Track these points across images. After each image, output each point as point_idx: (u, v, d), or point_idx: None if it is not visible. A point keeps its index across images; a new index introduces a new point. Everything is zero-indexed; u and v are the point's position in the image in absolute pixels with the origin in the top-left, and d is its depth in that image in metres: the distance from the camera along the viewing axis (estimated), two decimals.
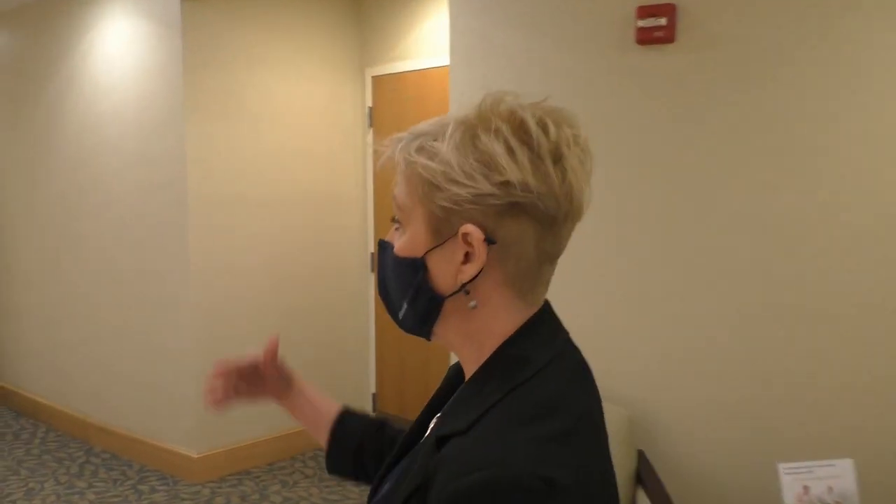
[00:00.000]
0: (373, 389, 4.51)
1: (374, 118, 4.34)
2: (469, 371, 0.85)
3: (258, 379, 1.19)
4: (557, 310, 0.86)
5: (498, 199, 0.77)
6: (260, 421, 3.99)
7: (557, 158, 0.78)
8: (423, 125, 0.83)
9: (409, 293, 0.83)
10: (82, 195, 4.29)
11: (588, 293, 2.55)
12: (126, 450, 4.16)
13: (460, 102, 2.83)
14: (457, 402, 0.82)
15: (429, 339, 0.87)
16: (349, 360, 4.45)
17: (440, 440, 0.77)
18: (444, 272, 0.81)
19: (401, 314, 0.85)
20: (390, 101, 4.25)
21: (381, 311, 4.41)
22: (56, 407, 4.66)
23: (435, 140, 0.80)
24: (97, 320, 4.31)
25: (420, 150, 0.80)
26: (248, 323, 3.94)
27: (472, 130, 0.79)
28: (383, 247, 0.88)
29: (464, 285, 0.80)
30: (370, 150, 4.38)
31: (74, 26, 4.24)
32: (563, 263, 0.86)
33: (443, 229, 0.80)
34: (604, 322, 2.52)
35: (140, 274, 3.97)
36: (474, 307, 0.81)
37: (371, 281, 4.44)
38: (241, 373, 1.18)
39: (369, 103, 4.35)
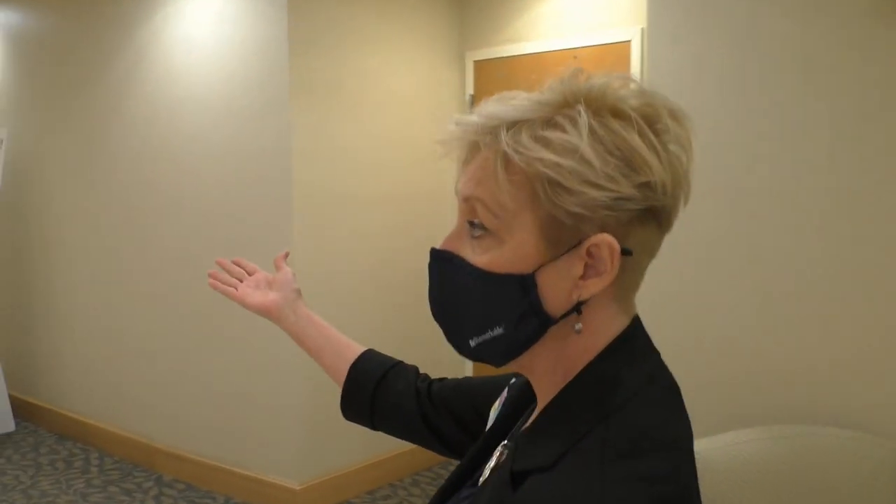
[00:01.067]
0: None
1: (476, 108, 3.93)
2: (546, 393, 0.74)
3: (266, 285, 1.21)
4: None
5: (636, 203, 0.67)
6: (359, 445, 3.56)
7: (684, 152, 0.70)
8: (509, 107, 0.70)
9: (508, 317, 0.70)
10: (150, 191, 3.81)
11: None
12: (204, 479, 3.69)
13: (660, 86, 2.43)
14: (535, 430, 0.73)
15: (499, 366, 0.75)
16: (453, 369, 4.02)
17: (516, 476, 0.68)
18: (558, 289, 0.69)
19: (479, 339, 0.72)
20: (496, 88, 3.84)
21: None
22: (110, 429, 4.17)
23: (557, 129, 0.67)
24: (167, 330, 3.83)
25: (539, 140, 0.67)
26: (355, 333, 3.50)
27: (602, 118, 0.67)
28: (443, 257, 0.74)
29: (579, 304, 0.69)
30: None
31: (139, 2, 3.76)
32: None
33: (562, 239, 0.68)
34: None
35: None
36: (580, 329, 0.71)
37: None
38: (251, 272, 1.23)
39: (470, 91, 3.95)
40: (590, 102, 0.68)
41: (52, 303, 4.49)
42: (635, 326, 0.74)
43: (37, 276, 4.55)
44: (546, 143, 0.67)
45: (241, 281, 1.23)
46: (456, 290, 0.74)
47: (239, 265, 1.26)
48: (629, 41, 3.32)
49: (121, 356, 4.11)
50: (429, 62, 3.82)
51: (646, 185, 0.67)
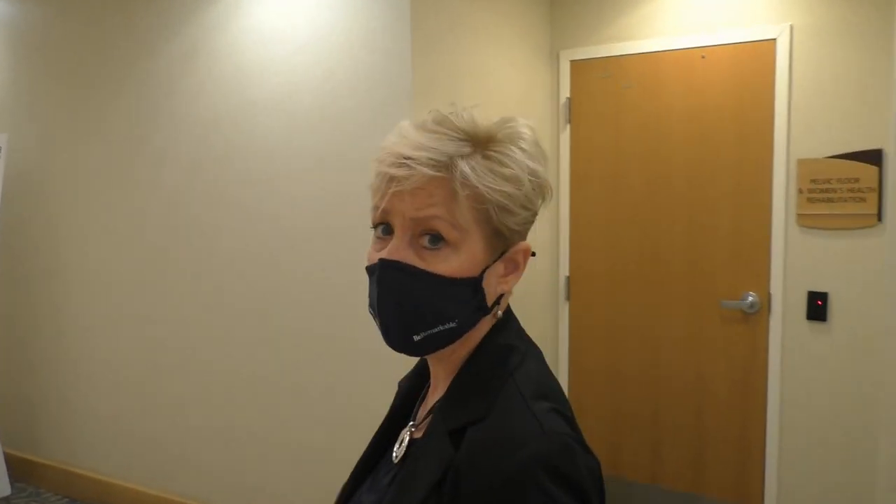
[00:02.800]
0: None
1: (573, 113, 3.54)
2: (451, 368, 0.91)
3: None
4: None
5: (536, 215, 0.89)
6: None
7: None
8: (438, 142, 0.83)
9: (462, 312, 0.86)
10: (209, 207, 3.22)
11: None
12: None
13: (817, 93, 2.13)
14: (453, 396, 0.87)
15: (432, 353, 0.89)
16: None
17: (454, 432, 0.82)
18: (492, 286, 0.88)
19: (426, 334, 0.86)
20: (598, 91, 3.47)
21: (575, 348, 3.61)
22: (135, 487, 3.52)
23: (499, 164, 0.84)
24: (207, 376, 3.24)
25: (494, 173, 0.83)
26: None
27: (525, 151, 0.86)
28: (400, 268, 0.85)
29: (501, 296, 0.89)
30: (566, 152, 3.57)
31: None
32: None
33: (499, 247, 0.87)
34: None
35: (324, 315, 2.97)
36: (499, 316, 0.91)
37: (565, 312, 3.63)
38: None
39: (567, 93, 3.55)
40: (510, 140, 0.85)
41: (60, 342, 3.78)
42: (509, 308, 0.93)
43: (41, 309, 3.83)
44: (504, 177, 0.83)
45: None
46: (413, 293, 0.84)
47: None
48: (774, 39, 3.01)
49: (149, 405, 3.48)
50: (521, 61, 3.40)
51: (545, 201, 0.89)
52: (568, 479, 0.77)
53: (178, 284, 3.33)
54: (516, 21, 3.35)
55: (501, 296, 0.88)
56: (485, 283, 0.86)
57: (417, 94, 2.72)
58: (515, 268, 0.89)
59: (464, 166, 0.82)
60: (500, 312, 0.89)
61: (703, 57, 3.20)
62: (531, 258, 0.91)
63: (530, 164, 0.85)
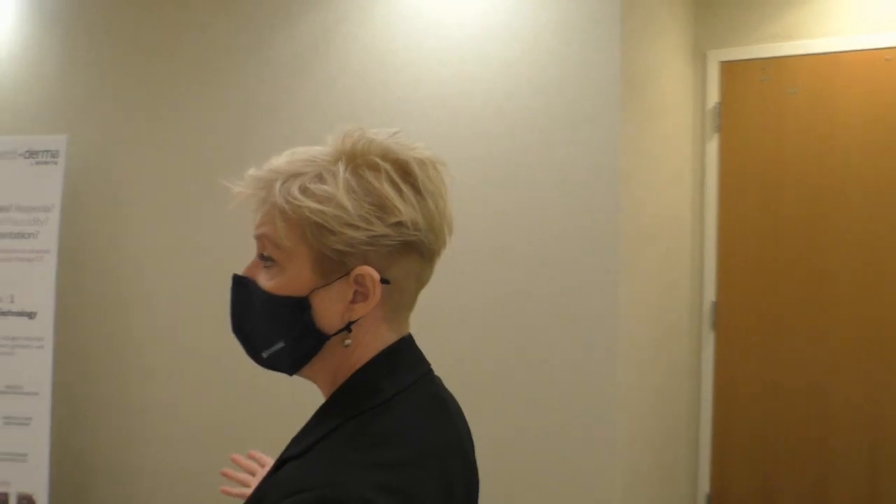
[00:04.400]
0: (706, 488, 3.30)
1: (723, 120, 3.17)
2: (326, 396, 0.90)
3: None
4: None
5: (392, 239, 0.84)
6: None
7: (434, 194, 0.87)
8: (287, 163, 0.87)
9: (288, 332, 0.86)
10: None
11: None
12: None
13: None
14: (305, 427, 0.89)
15: (290, 374, 0.91)
16: (673, 444, 3.21)
17: (278, 464, 0.85)
18: (330, 311, 0.85)
19: (268, 352, 0.88)
20: (754, 96, 3.11)
21: (723, 381, 3.24)
22: None
23: (320, 182, 0.84)
24: None
25: (305, 192, 0.84)
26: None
27: (358, 171, 0.84)
28: (241, 282, 0.90)
29: (350, 324, 0.86)
30: (712, 163, 3.20)
31: None
32: None
33: (332, 270, 0.85)
34: None
35: (530, 340, 2.52)
36: (348, 345, 0.87)
37: (710, 341, 3.25)
38: (264, 465, 1.26)
39: (716, 98, 3.18)
40: (351, 159, 0.85)
41: (126, 391, 3.19)
42: (402, 343, 0.91)
43: (98, 346, 3.24)
44: (310, 194, 0.83)
45: (254, 475, 1.25)
46: (248, 309, 0.90)
47: (254, 458, 1.29)
48: None
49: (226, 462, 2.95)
50: (659, 62, 3.01)
51: (398, 224, 0.83)
52: None
53: None
54: (655, 17, 2.96)
55: (352, 322, 0.86)
56: (318, 306, 0.85)
57: (625, 106, 2.30)
58: (368, 295, 0.85)
59: (277, 185, 0.85)
60: (348, 341, 0.86)
61: (887, 60, 2.88)
62: (391, 284, 0.86)
63: (359, 182, 0.84)
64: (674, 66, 3.07)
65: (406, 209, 0.83)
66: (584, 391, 2.41)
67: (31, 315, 2.86)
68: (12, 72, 3.29)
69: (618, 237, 2.35)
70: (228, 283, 0.92)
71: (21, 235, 2.89)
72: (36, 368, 2.83)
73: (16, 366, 2.85)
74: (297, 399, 2.81)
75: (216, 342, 3.01)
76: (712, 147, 3.20)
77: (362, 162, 0.84)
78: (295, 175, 0.85)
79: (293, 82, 2.79)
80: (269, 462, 1.24)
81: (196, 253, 3.01)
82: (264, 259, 0.88)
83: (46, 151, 2.92)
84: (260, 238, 0.88)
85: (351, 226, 0.82)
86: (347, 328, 0.85)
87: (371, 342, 0.87)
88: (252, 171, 0.88)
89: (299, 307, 0.84)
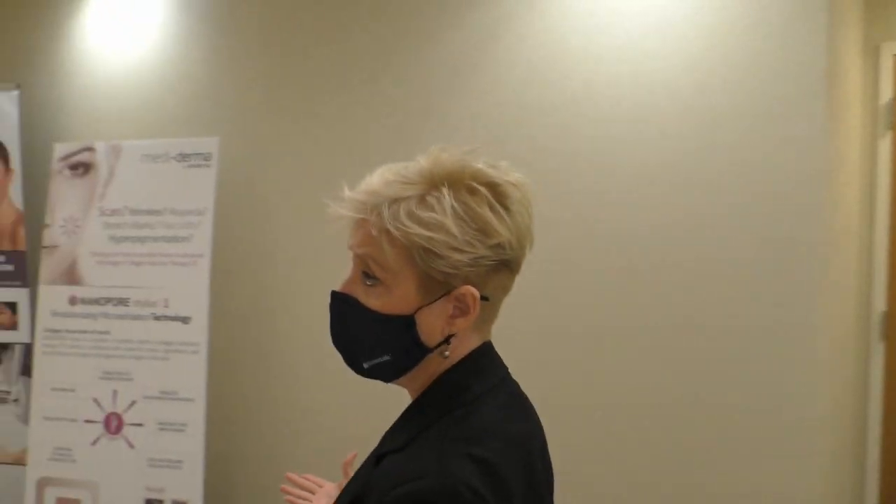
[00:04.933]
0: (874, 503, 3.10)
1: None
2: (414, 396, 0.97)
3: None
4: None
5: (490, 259, 0.90)
6: None
7: (522, 214, 0.93)
8: (384, 184, 0.91)
9: (396, 347, 0.92)
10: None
11: None
12: None
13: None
14: (397, 424, 0.96)
15: (387, 382, 0.97)
16: (839, 463, 3.02)
17: (379, 458, 0.92)
18: (433, 326, 0.92)
19: (370, 363, 0.94)
20: None
21: (892, 396, 3.03)
22: None
23: (426, 207, 0.88)
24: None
25: (412, 217, 0.88)
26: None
27: (459, 196, 0.89)
28: (343, 299, 0.95)
29: (449, 337, 0.93)
30: (885, 163, 3.00)
31: None
32: None
33: (435, 289, 0.90)
34: None
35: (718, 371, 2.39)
36: (447, 356, 0.94)
37: (879, 353, 3.05)
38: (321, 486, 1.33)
39: (889, 94, 2.98)
40: (451, 184, 0.89)
41: (271, 396, 3.16)
42: (486, 347, 0.98)
43: (253, 355, 3.21)
44: (419, 221, 0.88)
45: (314, 494, 1.30)
46: (352, 324, 0.95)
47: (309, 480, 1.34)
48: None
49: None
50: (847, 55, 2.82)
51: (497, 246, 0.90)
52: None
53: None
54: (837, 6, 2.77)
55: (451, 336, 0.92)
56: (422, 323, 0.91)
57: (830, 103, 2.14)
58: (465, 311, 0.91)
59: (384, 210, 0.89)
60: (447, 353, 0.92)
61: None
62: (483, 302, 0.91)
63: (464, 208, 0.88)
64: (842, 59, 2.88)
65: (504, 231, 0.89)
66: (785, 407, 2.25)
67: (185, 320, 2.84)
68: (160, 71, 3.29)
69: (817, 244, 2.20)
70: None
71: (175, 239, 2.87)
72: (191, 374, 2.81)
73: (171, 371, 2.83)
74: None
75: None
76: (885, 145, 2.99)
77: (461, 186, 0.89)
78: (397, 199, 0.89)
79: (455, 83, 2.71)
80: (325, 483, 1.33)
81: (340, 258, 2.94)
82: (368, 277, 0.93)
83: (198, 154, 2.90)
84: (363, 258, 0.92)
85: (457, 250, 0.88)
86: (447, 341, 0.92)
87: (459, 348, 0.94)
88: (350, 194, 0.92)
89: (406, 325, 0.91)
